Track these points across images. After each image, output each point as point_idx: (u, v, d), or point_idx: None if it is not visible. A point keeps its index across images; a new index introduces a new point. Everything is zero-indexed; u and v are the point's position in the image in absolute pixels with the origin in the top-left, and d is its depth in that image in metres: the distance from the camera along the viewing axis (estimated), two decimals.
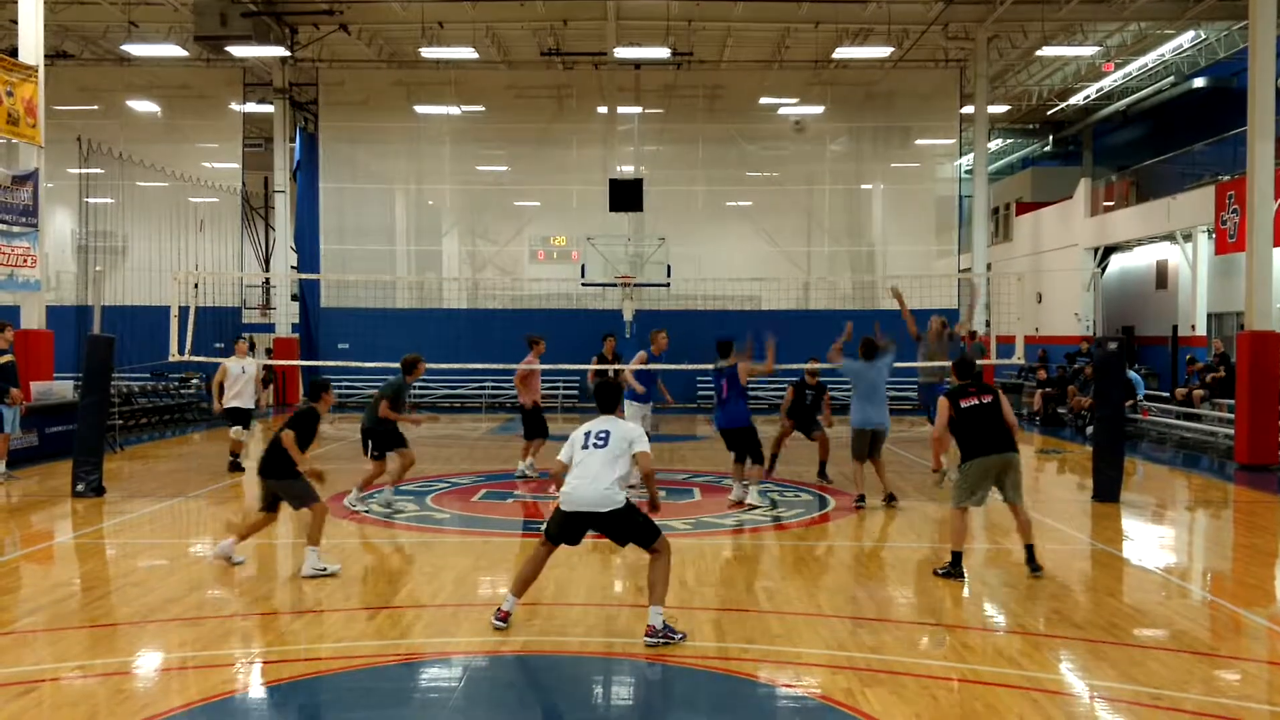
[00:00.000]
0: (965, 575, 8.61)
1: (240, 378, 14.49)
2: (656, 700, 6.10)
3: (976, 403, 8.75)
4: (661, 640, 6.66)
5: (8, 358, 13.65)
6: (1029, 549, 8.75)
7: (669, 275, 24.55)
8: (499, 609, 7.08)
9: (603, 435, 7.04)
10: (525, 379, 14.20)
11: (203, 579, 8.78)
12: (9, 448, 13.82)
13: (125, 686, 6.01)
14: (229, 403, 14.45)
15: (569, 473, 7.01)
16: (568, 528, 7.04)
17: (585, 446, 7.02)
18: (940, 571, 8.67)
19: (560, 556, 8.94)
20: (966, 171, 29.46)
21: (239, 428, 14.59)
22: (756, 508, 11.73)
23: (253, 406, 14.84)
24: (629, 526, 6.96)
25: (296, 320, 28.18)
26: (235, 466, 14.66)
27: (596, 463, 6.90)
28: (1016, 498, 8.82)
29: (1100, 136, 35.67)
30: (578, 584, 8.32)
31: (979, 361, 11.95)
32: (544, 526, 7.27)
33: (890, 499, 12.01)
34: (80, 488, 12.42)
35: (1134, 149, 31.85)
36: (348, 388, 27.34)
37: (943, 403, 8.89)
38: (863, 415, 11.98)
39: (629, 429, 7.17)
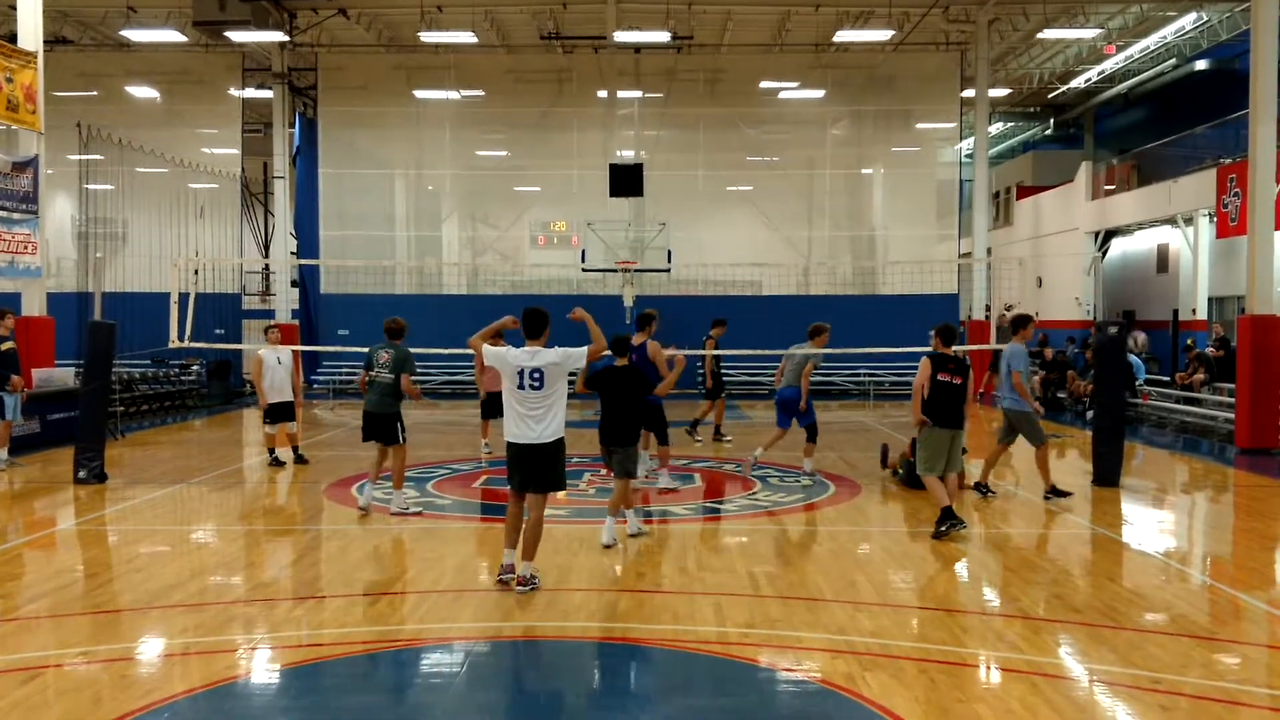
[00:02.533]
0: (964, 523, 9.50)
1: (277, 369, 13.75)
2: (657, 684, 6.12)
3: (950, 381, 9.66)
4: (530, 588, 7.48)
5: (9, 345, 13.64)
6: (951, 509, 9.46)
7: (669, 260, 24.55)
8: (502, 565, 7.64)
9: (536, 377, 7.37)
10: None
11: (205, 565, 8.82)
12: (11, 435, 13.85)
13: (129, 672, 6.04)
14: (270, 398, 13.71)
15: (510, 411, 7.46)
16: (520, 465, 7.53)
17: (521, 387, 7.40)
18: (939, 532, 9.39)
19: (562, 543, 9.00)
20: (967, 155, 29.37)
21: (283, 424, 13.92)
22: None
23: (291, 399, 13.95)
24: (554, 463, 7.48)
25: (296, 306, 28.16)
26: (276, 462, 13.96)
27: (544, 409, 7.41)
28: (955, 468, 9.74)
29: (1101, 120, 35.54)
30: (579, 570, 8.34)
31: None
32: (508, 480, 7.76)
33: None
34: (82, 474, 12.45)
35: (1135, 132, 31.75)
36: (348, 374, 27.39)
37: (925, 363, 9.72)
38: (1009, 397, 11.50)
39: (556, 362, 7.40)
